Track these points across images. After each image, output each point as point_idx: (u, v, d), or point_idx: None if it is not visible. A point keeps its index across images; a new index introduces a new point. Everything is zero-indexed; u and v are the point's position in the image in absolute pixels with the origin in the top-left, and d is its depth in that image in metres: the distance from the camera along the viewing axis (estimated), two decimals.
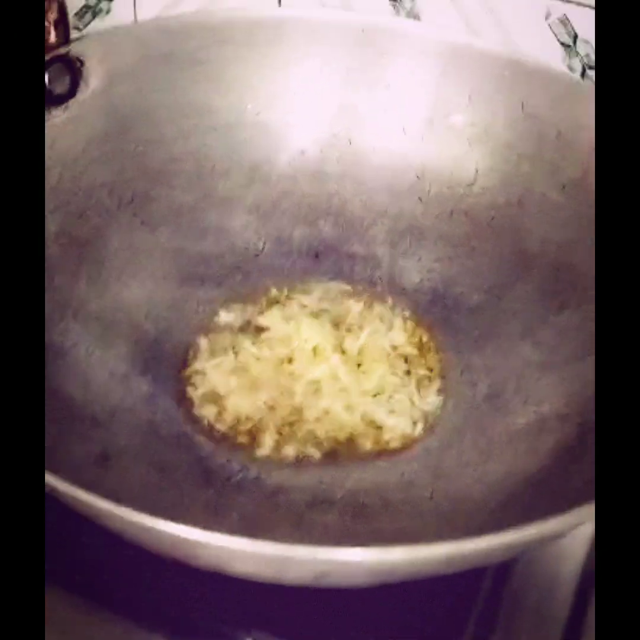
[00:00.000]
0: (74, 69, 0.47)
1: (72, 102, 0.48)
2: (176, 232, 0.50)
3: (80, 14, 0.57)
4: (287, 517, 0.38)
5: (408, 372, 0.46)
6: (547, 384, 0.44)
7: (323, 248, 0.52)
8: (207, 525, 0.29)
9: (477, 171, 0.52)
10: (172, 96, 0.51)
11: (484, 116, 0.52)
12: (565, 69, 0.59)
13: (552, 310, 0.47)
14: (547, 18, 0.60)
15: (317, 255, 0.52)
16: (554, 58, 0.61)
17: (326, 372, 0.45)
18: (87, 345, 0.44)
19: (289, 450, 0.42)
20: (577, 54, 0.59)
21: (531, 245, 0.50)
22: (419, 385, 0.46)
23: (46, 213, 0.46)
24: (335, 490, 0.40)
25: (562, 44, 0.60)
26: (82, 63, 0.48)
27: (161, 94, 0.51)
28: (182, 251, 0.50)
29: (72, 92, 0.47)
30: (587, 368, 0.43)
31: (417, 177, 0.53)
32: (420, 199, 0.53)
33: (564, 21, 0.59)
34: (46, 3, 0.47)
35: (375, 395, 0.44)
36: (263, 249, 0.51)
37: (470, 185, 0.52)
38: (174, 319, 0.47)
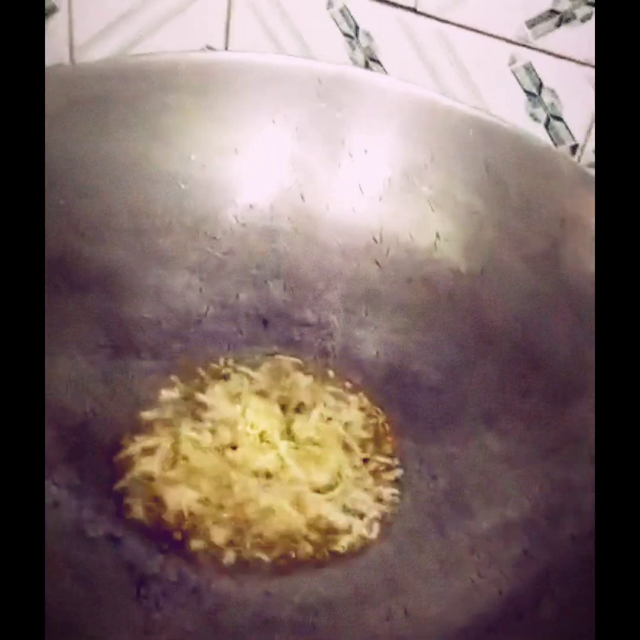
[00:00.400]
0: None
1: None
2: (110, 295, 0.46)
3: None
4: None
5: (364, 460, 0.43)
6: (512, 482, 0.41)
7: (271, 314, 0.48)
8: None
9: (437, 236, 0.49)
10: (106, 144, 0.47)
11: (447, 177, 0.49)
12: (529, 124, 0.56)
13: (516, 395, 0.44)
14: (511, 64, 0.58)
15: (265, 323, 0.48)
16: (517, 107, 0.58)
17: (273, 462, 0.41)
18: None
19: (230, 555, 0.38)
20: (542, 102, 0.57)
21: (493, 320, 0.46)
22: (375, 475, 0.42)
23: None
24: (283, 605, 0.36)
25: (527, 92, 0.58)
26: None
27: (94, 142, 0.47)
28: (116, 317, 0.46)
29: None
30: (556, 466, 0.40)
31: (374, 239, 0.49)
32: (377, 262, 0.49)
33: (529, 69, 0.56)
34: None
35: (327, 490, 0.40)
36: (206, 313, 0.47)
37: (430, 250, 0.49)
38: (104, 396, 0.43)
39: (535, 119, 0.57)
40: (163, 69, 0.47)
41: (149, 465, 0.41)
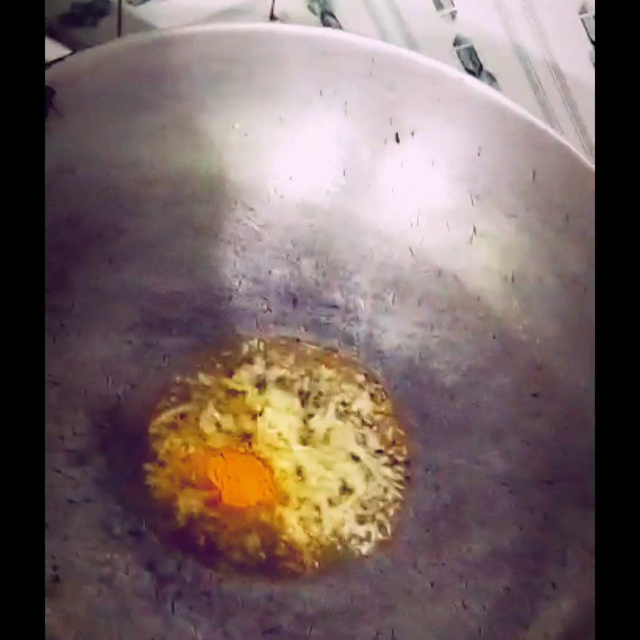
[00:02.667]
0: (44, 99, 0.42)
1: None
2: (145, 269, 0.47)
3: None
4: None
5: (378, 451, 0.45)
6: (508, 507, 0.44)
7: (301, 293, 0.49)
8: None
9: (474, 231, 0.49)
10: (150, 116, 0.46)
11: (492, 174, 0.48)
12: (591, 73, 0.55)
13: (526, 414, 0.46)
14: (581, 13, 0.56)
15: (294, 301, 0.49)
16: (582, 56, 0.57)
17: (288, 466, 0.44)
18: None
19: (239, 555, 0.42)
20: None
21: (516, 331, 0.48)
22: (388, 466, 0.45)
23: None
24: (284, 613, 0.41)
25: (593, 42, 0.56)
26: (53, 92, 0.42)
27: (139, 114, 0.46)
28: (150, 292, 0.47)
29: None
30: (549, 501, 0.43)
31: (411, 224, 0.49)
32: (410, 249, 0.49)
33: None
34: None
35: (338, 501, 0.44)
36: (238, 289, 0.49)
37: (465, 245, 0.49)
38: (136, 377, 0.45)
39: None
40: (209, 39, 0.46)
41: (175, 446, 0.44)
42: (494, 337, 0.48)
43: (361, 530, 0.43)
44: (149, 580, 0.40)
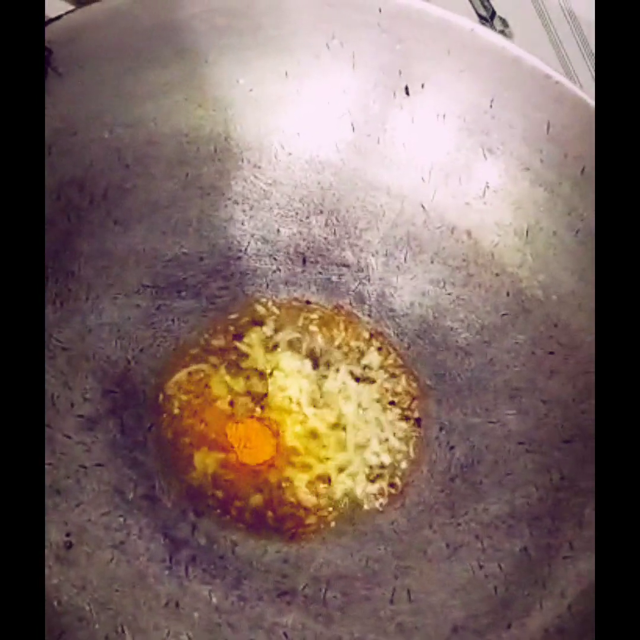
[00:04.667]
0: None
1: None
2: (153, 230, 0.46)
3: None
4: (247, 614, 0.39)
5: (391, 403, 0.45)
6: (524, 467, 0.43)
7: (311, 252, 0.48)
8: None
9: (487, 185, 0.48)
10: (152, 73, 0.45)
11: (505, 127, 0.47)
12: None
13: (542, 372, 0.45)
14: None
15: (304, 261, 0.48)
16: None
17: (300, 431, 0.44)
18: (51, 388, 0.42)
19: (254, 518, 0.42)
20: None
21: (531, 288, 0.47)
22: (401, 420, 0.45)
23: None
24: (298, 576, 0.41)
25: None
26: (50, 52, 0.41)
27: (140, 71, 0.45)
28: (158, 254, 0.46)
29: None
30: (566, 460, 0.43)
31: (423, 179, 0.48)
32: (422, 205, 0.48)
33: None
34: None
35: (348, 464, 0.43)
36: (246, 249, 0.48)
37: (478, 199, 0.48)
38: (146, 341, 0.45)
39: None
40: None
41: (185, 409, 0.43)
42: (508, 295, 0.47)
43: (375, 489, 0.43)
44: (163, 544, 0.40)
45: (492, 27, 0.58)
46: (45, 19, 0.40)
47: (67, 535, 0.39)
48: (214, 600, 0.39)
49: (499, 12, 0.58)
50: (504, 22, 0.58)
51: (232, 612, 0.39)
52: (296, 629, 0.39)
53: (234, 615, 0.39)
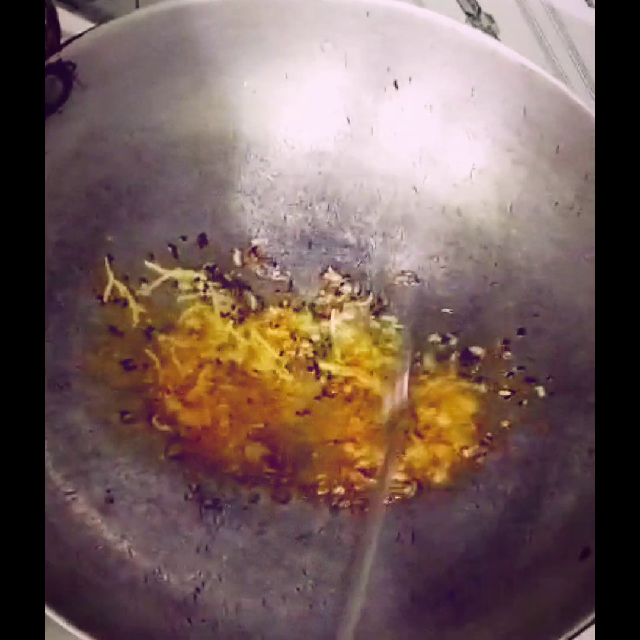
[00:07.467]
0: (66, 73, 0.46)
1: (66, 105, 0.47)
2: (172, 222, 0.51)
3: None
4: (270, 555, 0.44)
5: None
6: (515, 417, 0.48)
7: (316, 236, 0.53)
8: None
9: (473, 167, 0.52)
10: (168, 82, 0.50)
11: (486, 112, 0.51)
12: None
13: (529, 332, 0.50)
14: None
15: (309, 244, 0.53)
16: None
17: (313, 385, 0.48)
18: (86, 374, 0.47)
19: (275, 472, 0.47)
20: None
21: (516, 258, 0.51)
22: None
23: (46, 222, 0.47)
24: (315, 520, 0.46)
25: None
26: (74, 66, 0.46)
27: (157, 81, 0.50)
28: (179, 243, 0.51)
29: (65, 96, 0.47)
30: (554, 410, 0.47)
31: (414, 164, 0.53)
32: (415, 188, 0.53)
33: None
34: None
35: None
36: (256, 235, 0.53)
37: (465, 181, 0.52)
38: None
39: None
40: (224, 5, 0.49)
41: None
42: (496, 265, 0.51)
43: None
44: (193, 498, 0.45)
45: (479, 23, 0.63)
46: (69, 36, 0.45)
47: (108, 491, 0.44)
48: (240, 544, 0.45)
49: (484, 9, 0.62)
50: (490, 18, 0.63)
51: (257, 554, 0.44)
52: (314, 567, 0.44)
53: (258, 556, 0.44)
